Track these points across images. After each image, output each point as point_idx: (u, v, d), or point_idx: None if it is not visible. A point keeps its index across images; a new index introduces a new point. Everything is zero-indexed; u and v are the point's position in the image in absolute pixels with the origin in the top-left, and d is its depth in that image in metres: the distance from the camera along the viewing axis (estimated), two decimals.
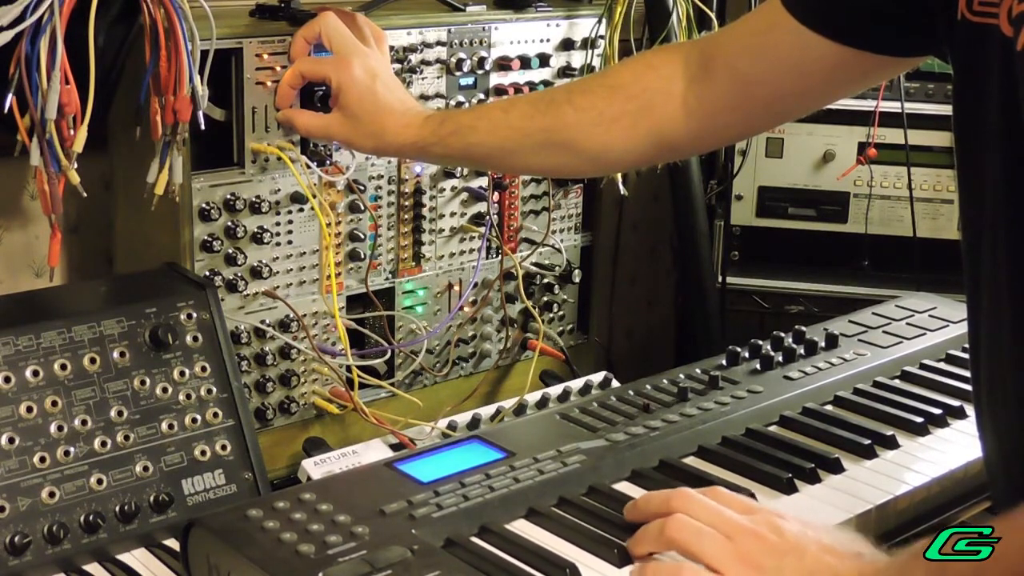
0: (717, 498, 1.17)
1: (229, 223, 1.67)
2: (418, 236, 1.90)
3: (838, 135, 2.34)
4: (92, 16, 1.45)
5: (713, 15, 2.14)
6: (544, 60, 1.98)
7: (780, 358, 1.61)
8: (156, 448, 1.45)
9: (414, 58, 1.83)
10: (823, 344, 1.66)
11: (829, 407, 1.53)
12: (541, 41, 1.99)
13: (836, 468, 1.37)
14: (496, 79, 1.94)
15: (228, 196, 1.67)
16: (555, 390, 1.90)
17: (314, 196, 1.70)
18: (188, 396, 1.49)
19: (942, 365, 1.65)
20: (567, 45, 2.02)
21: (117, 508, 1.40)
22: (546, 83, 2.00)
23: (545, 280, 2.09)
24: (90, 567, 1.38)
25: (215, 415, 1.51)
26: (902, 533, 1.32)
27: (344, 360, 1.77)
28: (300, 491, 1.24)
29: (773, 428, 1.47)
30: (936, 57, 1.30)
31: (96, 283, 1.71)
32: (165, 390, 1.48)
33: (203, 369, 1.51)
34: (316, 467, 1.64)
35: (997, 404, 1.18)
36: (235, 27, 1.64)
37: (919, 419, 1.48)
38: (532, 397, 1.87)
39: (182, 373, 1.49)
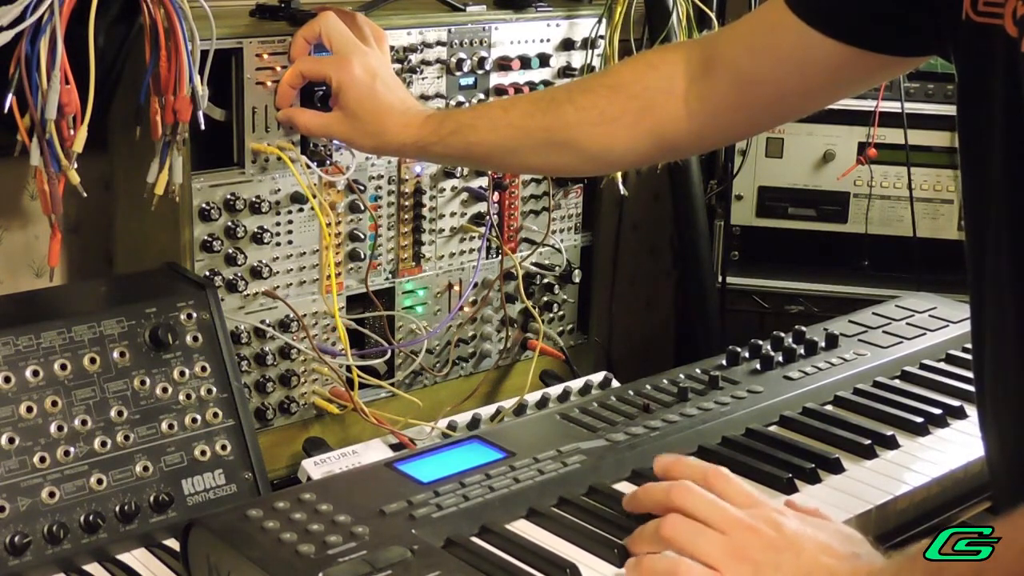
0: (719, 484, 1.16)
1: (229, 223, 1.67)
2: (418, 236, 1.90)
3: (838, 135, 2.34)
4: (92, 16, 1.45)
5: (713, 15, 2.14)
6: (544, 60, 1.98)
7: (780, 358, 1.61)
8: (156, 448, 1.45)
9: (414, 58, 1.83)
10: (823, 344, 1.66)
11: (829, 407, 1.53)
12: (541, 41, 1.99)
13: (836, 468, 1.37)
14: (496, 79, 1.94)
15: (228, 196, 1.67)
16: (555, 390, 1.90)
17: (314, 196, 1.70)
18: (188, 396, 1.49)
19: (942, 365, 1.65)
20: (567, 45, 2.02)
21: (117, 508, 1.40)
22: (546, 83, 2.00)
23: (545, 280, 2.08)
24: (90, 567, 1.37)
25: (215, 415, 1.51)
26: (902, 533, 1.32)
27: (344, 360, 1.77)
28: (300, 491, 1.24)
29: (773, 428, 1.47)
30: (940, 57, 1.30)
31: (96, 283, 1.71)
32: (165, 390, 1.48)
33: (203, 369, 1.51)
34: (316, 467, 1.64)
35: (1000, 404, 1.18)
36: (235, 27, 1.64)
37: (919, 419, 1.48)
38: (532, 397, 1.87)
39: (182, 373, 1.49)
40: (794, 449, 1.40)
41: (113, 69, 1.57)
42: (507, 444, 1.36)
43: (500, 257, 2.00)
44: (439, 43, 1.85)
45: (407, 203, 1.88)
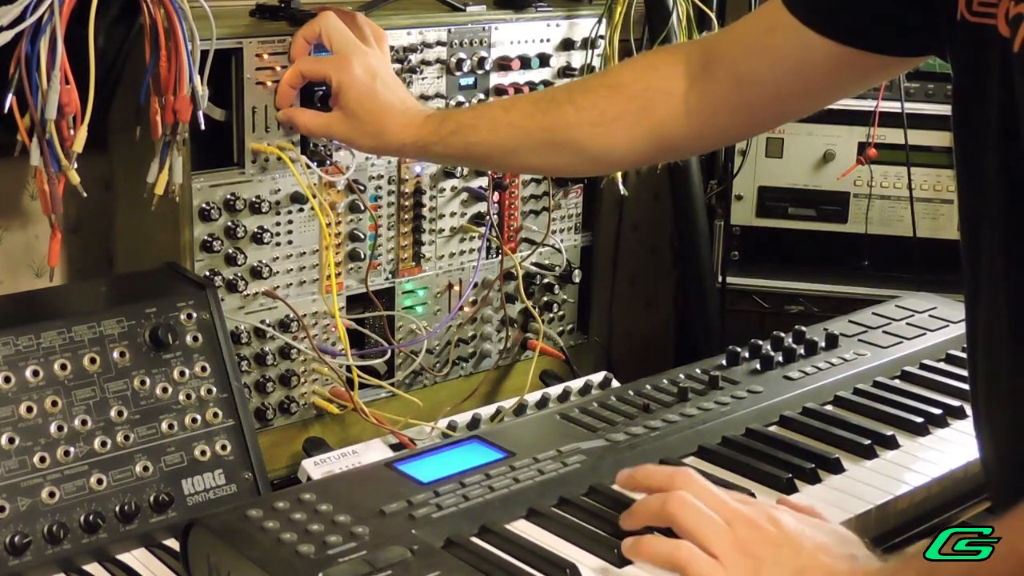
0: (687, 485, 1.17)
1: (229, 223, 1.67)
2: (418, 236, 1.90)
3: (838, 135, 2.34)
4: (92, 16, 1.45)
5: (713, 15, 2.14)
6: (544, 60, 1.98)
7: (780, 358, 1.61)
8: (156, 448, 1.45)
9: (414, 58, 1.83)
10: (823, 344, 1.66)
11: (829, 407, 1.53)
12: (541, 41, 1.99)
13: (836, 468, 1.37)
14: (496, 79, 1.94)
15: (228, 196, 1.67)
16: (555, 390, 1.90)
17: (314, 196, 1.70)
18: (188, 396, 1.49)
19: (942, 365, 1.65)
20: (567, 45, 2.02)
21: (117, 508, 1.40)
22: (546, 83, 2.00)
23: (545, 280, 2.08)
24: (90, 567, 1.38)
25: (215, 415, 1.51)
26: (902, 533, 1.33)
27: (344, 360, 1.77)
28: (300, 491, 1.24)
29: (773, 428, 1.47)
30: (937, 57, 1.30)
31: (96, 283, 1.71)
32: (165, 390, 1.48)
33: (203, 369, 1.51)
34: (316, 467, 1.64)
35: (994, 406, 1.18)
36: (235, 27, 1.64)
37: (919, 419, 1.48)
38: (532, 397, 1.87)
39: (182, 373, 1.49)
40: (794, 449, 1.40)
41: (113, 69, 1.57)
42: (507, 444, 1.36)
43: (500, 257, 2.00)
44: (439, 43, 1.85)
45: (407, 203, 1.88)
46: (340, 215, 1.79)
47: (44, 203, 1.47)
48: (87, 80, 1.45)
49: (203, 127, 1.55)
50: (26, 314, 1.44)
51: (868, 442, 1.41)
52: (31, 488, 1.36)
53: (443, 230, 1.93)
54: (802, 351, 1.63)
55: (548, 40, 2.00)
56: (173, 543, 1.40)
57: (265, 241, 1.70)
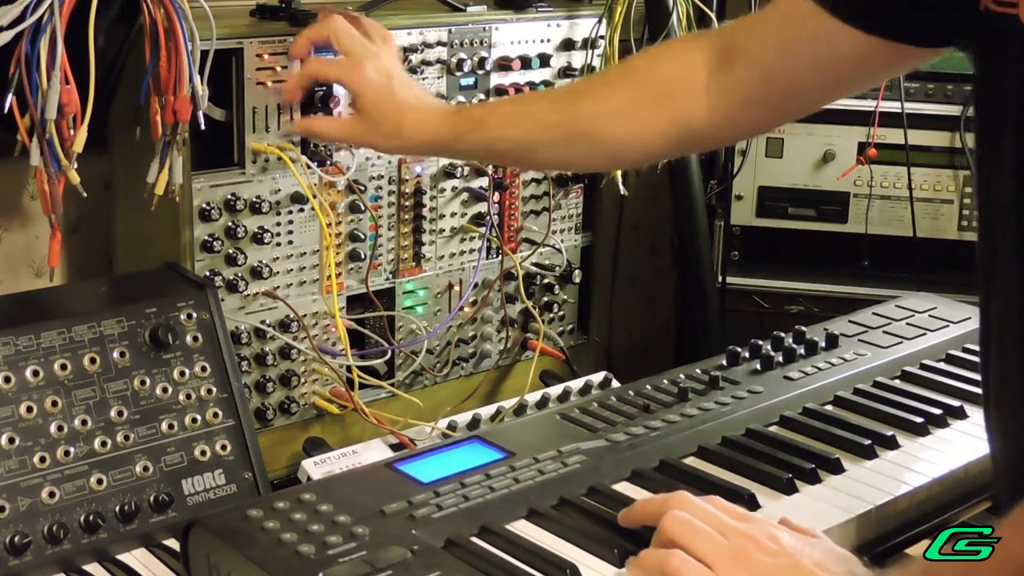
0: (714, 505, 1.17)
1: (229, 223, 1.67)
2: (418, 236, 1.90)
3: (838, 135, 2.34)
4: (92, 16, 1.45)
5: (713, 15, 2.15)
6: (544, 60, 1.99)
7: (780, 358, 1.61)
8: (156, 448, 1.45)
9: (414, 58, 1.83)
10: (823, 344, 1.66)
11: (829, 407, 1.53)
12: (541, 41, 1.99)
13: (836, 468, 1.36)
14: (496, 79, 1.94)
15: (228, 196, 1.67)
16: (555, 390, 1.90)
17: (314, 196, 1.70)
18: (188, 396, 1.49)
19: (942, 365, 1.65)
20: (567, 45, 2.02)
21: (117, 508, 1.40)
22: (546, 83, 2.00)
23: (545, 280, 2.09)
24: (90, 567, 1.38)
25: (215, 415, 1.51)
26: (902, 533, 1.32)
27: (344, 360, 1.77)
28: (300, 491, 1.23)
29: (773, 428, 1.47)
30: (959, 49, 1.29)
31: (96, 283, 1.71)
32: (165, 390, 1.48)
33: (203, 369, 1.51)
34: (316, 467, 1.64)
35: (1004, 404, 1.18)
36: (235, 27, 1.64)
37: (919, 419, 1.48)
38: (532, 397, 1.87)
39: (182, 373, 1.49)
40: (794, 449, 1.40)
41: (113, 69, 1.57)
42: (507, 444, 1.36)
43: (500, 257, 2.00)
44: (439, 43, 1.85)
45: (407, 203, 1.88)
46: (340, 215, 1.79)
47: (44, 203, 1.47)
48: (87, 80, 1.46)
49: (203, 127, 1.55)
50: (26, 314, 1.44)
51: (868, 442, 1.41)
52: (31, 488, 1.36)
53: (443, 230, 1.93)
54: (802, 351, 1.63)
55: (548, 40, 2.00)
56: (173, 543, 1.40)
57: (265, 241, 1.70)
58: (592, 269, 2.17)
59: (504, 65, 1.94)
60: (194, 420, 1.49)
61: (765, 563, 1.08)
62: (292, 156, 1.69)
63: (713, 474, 1.34)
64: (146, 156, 1.57)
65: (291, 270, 1.75)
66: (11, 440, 1.36)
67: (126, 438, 1.44)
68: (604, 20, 2.02)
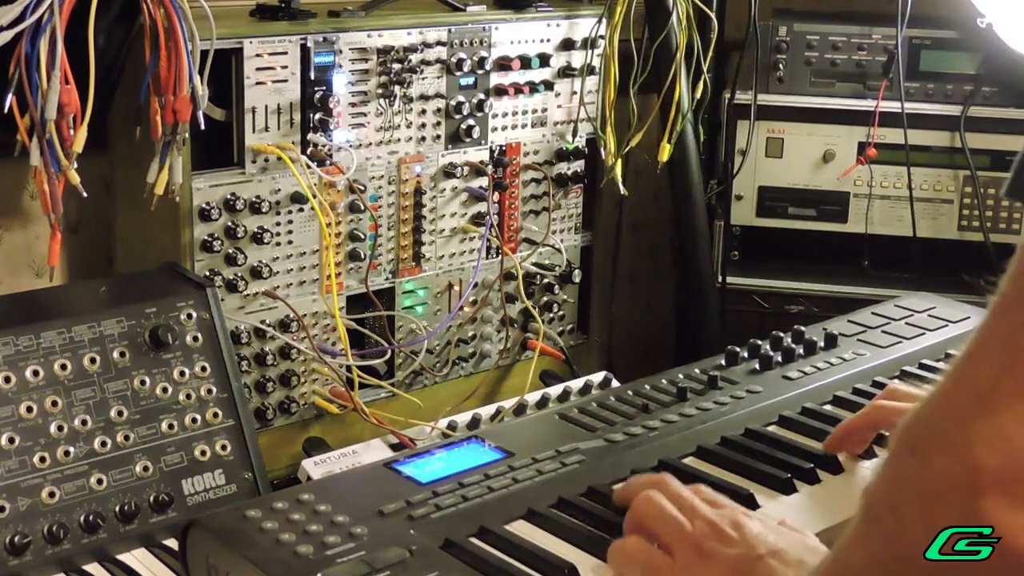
0: (696, 492, 1.18)
1: (229, 223, 1.67)
2: (418, 236, 1.90)
3: (838, 135, 2.34)
4: (92, 16, 1.45)
5: (713, 15, 2.14)
6: (544, 60, 1.99)
7: (779, 358, 1.61)
8: (156, 448, 1.46)
9: (414, 58, 1.83)
10: (822, 344, 1.66)
11: (828, 407, 1.53)
12: (541, 41, 1.99)
13: (835, 468, 1.36)
14: (496, 79, 1.94)
15: (228, 196, 1.67)
16: (555, 390, 1.90)
17: (314, 196, 1.70)
18: (188, 396, 1.49)
19: (941, 365, 1.65)
20: (567, 45, 2.02)
21: (117, 508, 1.40)
22: (546, 83, 2.00)
23: (545, 280, 2.09)
24: (90, 567, 1.38)
25: (215, 415, 1.51)
26: None
27: (344, 360, 1.77)
28: (299, 491, 1.24)
29: (772, 428, 1.47)
30: None
31: (96, 283, 1.71)
32: (165, 390, 1.48)
33: (203, 369, 1.51)
34: (316, 467, 1.64)
35: None
36: (235, 27, 1.64)
37: None
38: (532, 397, 1.87)
39: (182, 373, 1.50)
40: (793, 449, 1.40)
41: (113, 69, 1.58)
42: (507, 444, 1.36)
43: (500, 257, 2.00)
44: (439, 43, 1.85)
45: (407, 203, 1.88)
46: (340, 215, 1.79)
47: (44, 203, 1.47)
48: (87, 80, 1.46)
49: (203, 127, 1.55)
50: (26, 314, 1.44)
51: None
52: (31, 488, 1.36)
53: (443, 230, 1.93)
54: (801, 351, 1.63)
55: (548, 40, 2.00)
56: (173, 543, 1.40)
57: (265, 241, 1.70)
58: (592, 269, 2.17)
59: (504, 65, 1.94)
60: (194, 420, 1.49)
61: (721, 551, 1.10)
62: (292, 156, 1.69)
63: (712, 474, 1.34)
64: (146, 156, 1.57)
65: (291, 270, 1.75)
66: (11, 440, 1.36)
67: (126, 438, 1.44)
68: (604, 20, 2.02)
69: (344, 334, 1.76)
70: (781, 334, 1.67)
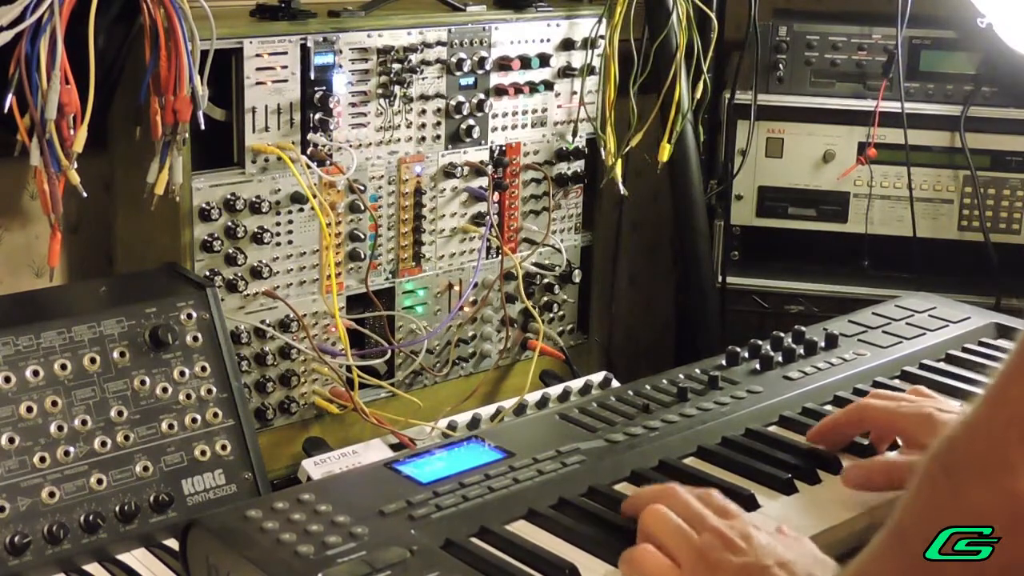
0: (705, 499, 1.17)
1: (229, 223, 1.67)
2: (418, 236, 1.90)
3: (838, 135, 2.34)
4: (92, 16, 1.45)
5: (713, 15, 2.14)
6: (544, 60, 1.99)
7: (780, 358, 1.61)
8: (156, 448, 1.46)
9: (414, 58, 1.83)
10: (823, 344, 1.66)
11: (829, 407, 1.52)
12: (541, 41, 1.99)
13: (836, 468, 1.36)
14: (496, 79, 1.94)
15: (228, 196, 1.67)
16: (555, 390, 1.90)
17: (314, 196, 1.70)
18: (188, 396, 1.49)
19: (942, 365, 1.64)
20: (567, 45, 2.02)
21: (117, 508, 1.40)
22: (546, 83, 2.00)
23: (545, 280, 2.09)
24: (90, 567, 1.38)
25: (215, 415, 1.51)
26: None
27: (344, 360, 1.77)
28: (299, 491, 1.23)
29: (773, 428, 1.47)
30: None
31: (96, 283, 1.71)
32: (165, 390, 1.48)
33: (203, 369, 1.51)
34: (316, 467, 1.64)
35: None
36: (235, 27, 1.64)
37: None
38: (532, 397, 1.87)
39: (182, 373, 1.50)
40: (794, 449, 1.40)
41: (113, 69, 1.58)
42: (507, 444, 1.36)
43: (500, 257, 2.00)
44: (439, 43, 1.85)
45: (407, 203, 1.88)
46: (340, 215, 1.79)
47: (44, 203, 1.47)
48: (87, 80, 1.46)
49: (203, 127, 1.55)
50: (26, 314, 1.44)
51: (868, 442, 1.41)
52: (31, 488, 1.36)
53: (443, 230, 1.93)
54: (802, 351, 1.63)
55: (548, 40, 2.00)
56: (173, 543, 1.40)
57: (265, 241, 1.70)
58: (592, 269, 2.17)
59: (504, 65, 1.94)
60: (194, 420, 1.49)
61: (730, 562, 1.09)
62: (292, 156, 1.69)
63: (712, 474, 1.34)
64: (146, 156, 1.57)
65: (291, 270, 1.75)
66: (11, 440, 1.36)
67: (126, 438, 1.44)
68: (604, 20, 2.02)
69: (344, 334, 1.76)
70: (781, 334, 1.66)
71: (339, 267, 1.80)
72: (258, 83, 1.67)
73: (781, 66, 2.33)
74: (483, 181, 1.95)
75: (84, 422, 1.41)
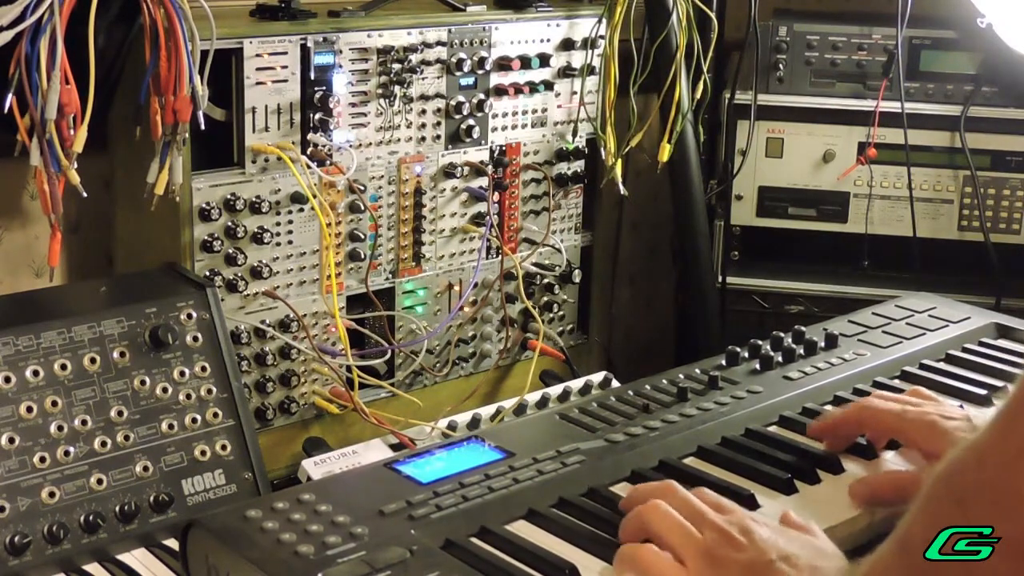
0: (700, 496, 1.18)
1: (229, 223, 1.67)
2: (418, 236, 1.90)
3: (838, 135, 2.34)
4: (92, 16, 1.45)
5: (713, 15, 2.14)
6: (544, 60, 1.99)
7: (780, 358, 1.61)
8: (156, 448, 1.46)
9: (414, 58, 1.83)
10: (823, 344, 1.66)
11: (829, 407, 1.53)
12: (541, 41, 1.99)
13: (836, 468, 1.36)
14: (496, 79, 1.94)
15: (228, 196, 1.67)
16: (555, 390, 1.90)
17: (314, 196, 1.70)
18: (188, 396, 1.49)
19: (942, 365, 1.65)
20: (567, 45, 2.02)
21: (117, 508, 1.40)
22: (546, 83, 2.00)
23: (545, 280, 2.09)
24: (90, 567, 1.38)
25: (215, 415, 1.51)
26: None
27: (344, 360, 1.77)
28: (299, 491, 1.23)
29: (773, 428, 1.47)
30: None
31: (96, 283, 1.71)
32: (165, 390, 1.48)
33: (203, 369, 1.51)
34: (316, 467, 1.64)
35: None
36: (235, 27, 1.64)
37: None
38: (532, 397, 1.87)
39: (182, 373, 1.50)
40: (794, 449, 1.40)
41: (113, 69, 1.58)
42: (507, 444, 1.36)
43: (500, 257, 2.00)
44: (439, 43, 1.85)
45: (407, 203, 1.88)
46: (340, 215, 1.79)
47: (44, 203, 1.47)
48: (87, 80, 1.46)
49: (203, 127, 1.55)
50: (26, 314, 1.44)
51: (867, 442, 1.41)
52: (31, 488, 1.36)
53: (443, 230, 1.93)
54: (802, 351, 1.63)
55: (548, 40, 2.00)
56: (173, 543, 1.40)
57: (265, 241, 1.70)
58: (592, 269, 2.17)
59: (504, 65, 1.94)
60: (194, 420, 1.49)
61: (732, 557, 1.09)
62: (292, 156, 1.69)
63: (712, 474, 1.34)
64: (146, 156, 1.57)
65: (291, 270, 1.75)
66: (11, 440, 1.36)
67: (126, 438, 1.44)
68: (604, 20, 2.02)
69: (344, 334, 1.76)
70: (781, 334, 1.67)
71: (339, 267, 1.80)
72: (258, 83, 1.67)
73: (781, 66, 2.33)
74: (483, 181, 1.95)
75: (84, 422, 1.41)
